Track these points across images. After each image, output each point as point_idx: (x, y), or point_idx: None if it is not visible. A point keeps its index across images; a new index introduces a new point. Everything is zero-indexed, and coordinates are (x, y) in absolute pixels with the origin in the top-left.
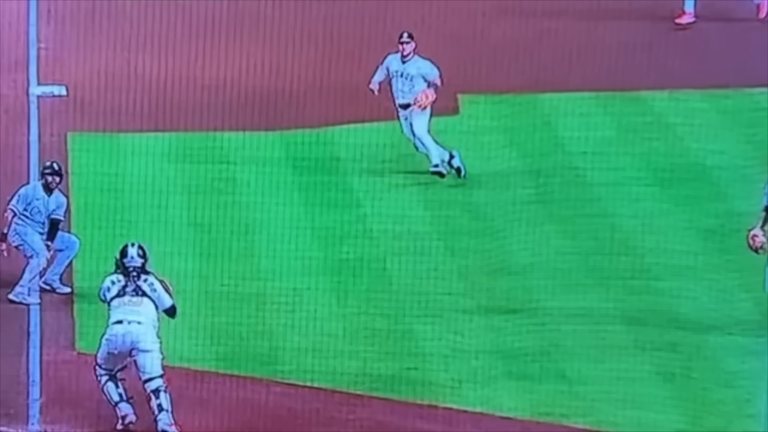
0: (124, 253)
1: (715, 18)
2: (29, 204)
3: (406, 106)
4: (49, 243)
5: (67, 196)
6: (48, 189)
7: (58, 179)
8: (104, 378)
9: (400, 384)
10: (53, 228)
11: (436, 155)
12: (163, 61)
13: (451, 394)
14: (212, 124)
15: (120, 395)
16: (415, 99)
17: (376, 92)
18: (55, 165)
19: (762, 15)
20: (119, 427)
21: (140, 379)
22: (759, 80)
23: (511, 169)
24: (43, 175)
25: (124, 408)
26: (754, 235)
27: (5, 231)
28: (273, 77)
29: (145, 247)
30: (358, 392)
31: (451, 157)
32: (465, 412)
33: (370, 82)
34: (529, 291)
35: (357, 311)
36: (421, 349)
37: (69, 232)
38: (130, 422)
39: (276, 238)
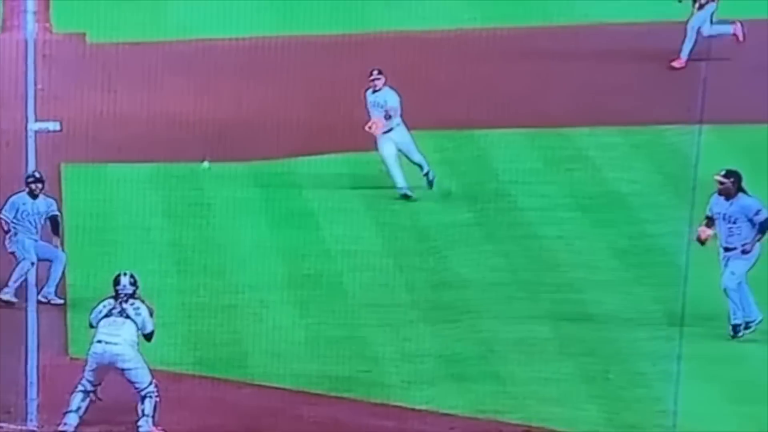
0: (117, 281)
1: (628, 61)
2: (17, 210)
3: (388, 131)
4: (56, 236)
5: (55, 199)
6: (33, 195)
7: (41, 185)
8: (80, 387)
9: (356, 385)
10: (54, 224)
11: (400, 181)
12: (145, 100)
13: (401, 394)
14: (189, 155)
15: (78, 408)
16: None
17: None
18: (36, 174)
19: (741, 40)
20: (59, 428)
21: (135, 390)
22: (668, 118)
23: (453, 196)
24: (27, 183)
25: (71, 419)
26: (703, 230)
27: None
28: (242, 114)
29: (136, 276)
30: (319, 392)
31: (425, 173)
32: (413, 409)
33: (368, 124)
34: (468, 302)
35: (317, 321)
36: (373, 354)
37: (57, 247)
38: (65, 431)
39: (245, 256)
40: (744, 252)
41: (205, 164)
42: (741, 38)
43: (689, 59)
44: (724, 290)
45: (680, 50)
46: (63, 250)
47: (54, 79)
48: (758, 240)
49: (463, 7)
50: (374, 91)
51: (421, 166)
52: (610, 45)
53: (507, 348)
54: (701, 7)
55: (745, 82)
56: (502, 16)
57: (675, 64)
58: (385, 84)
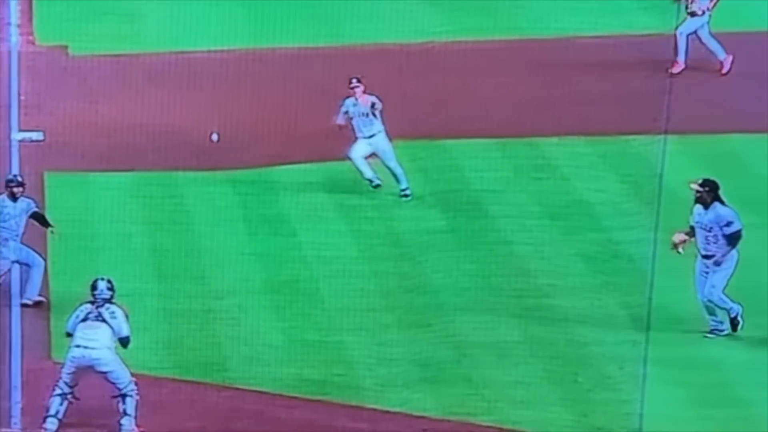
0: (94, 286)
1: (595, 72)
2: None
3: (370, 136)
4: (51, 226)
5: (33, 199)
6: (13, 197)
7: (21, 189)
8: (57, 390)
9: (331, 388)
10: (40, 219)
11: (367, 171)
12: (126, 110)
13: (375, 397)
14: (169, 164)
15: (56, 412)
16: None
17: (340, 127)
18: (18, 178)
19: (725, 71)
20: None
21: (115, 391)
22: (633, 128)
23: (426, 204)
24: (7, 186)
25: (50, 424)
26: (678, 235)
27: None
28: (220, 124)
29: (113, 281)
30: (296, 395)
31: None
32: (387, 412)
33: (333, 120)
34: (441, 308)
35: (294, 325)
36: (349, 358)
37: (36, 251)
38: None
39: (224, 262)
40: (716, 264)
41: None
42: (725, 70)
43: (685, 66)
44: (708, 302)
45: (676, 55)
46: (45, 251)
47: (37, 90)
48: (728, 252)
49: (435, 20)
50: (356, 99)
51: (398, 179)
52: (578, 57)
53: (479, 352)
54: (693, 14)
55: (711, 92)
56: (471, 30)
57: (673, 69)
58: (364, 92)
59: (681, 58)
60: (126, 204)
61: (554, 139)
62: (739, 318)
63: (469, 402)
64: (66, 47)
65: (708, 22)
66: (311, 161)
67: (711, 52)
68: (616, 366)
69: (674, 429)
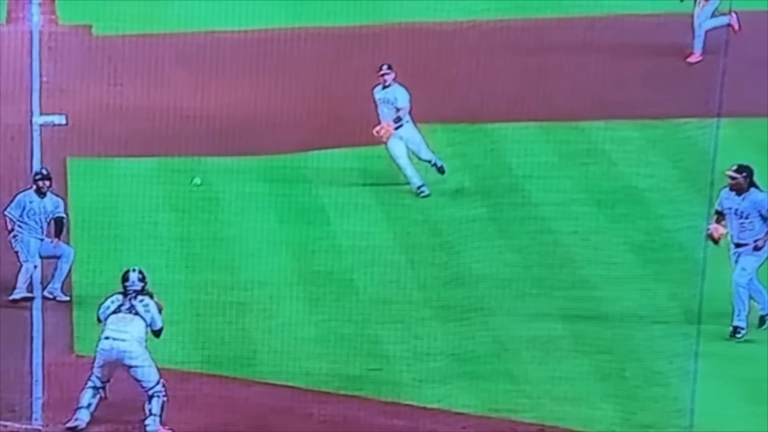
0: (125, 277)
1: (644, 54)
2: (24, 209)
3: (397, 127)
4: (57, 239)
5: (62, 199)
6: (41, 193)
7: (48, 183)
8: (89, 383)
9: (366, 383)
10: (58, 226)
11: (415, 178)
12: (152, 93)
13: (412, 393)
14: (196, 149)
15: (89, 404)
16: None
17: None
18: (44, 170)
19: (737, 29)
20: (69, 424)
21: (142, 389)
22: (684, 112)
23: (465, 191)
24: (34, 181)
25: (82, 415)
26: (715, 228)
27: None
28: (251, 107)
29: (144, 272)
30: (329, 390)
31: (434, 164)
32: (424, 408)
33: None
34: (481, 299)
35: (327, 318)
36: (384, 352)
37: (66, 243)
38: (77, 426)
39: (254, 252)
40: (756, 248)
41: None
42: (737, 28)
43: (704, 53)
44: (735, 287)
45: (692, 46)
46: (69, 245)
47: (59, 72)
48: None
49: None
50: (383, 87)
51: (430, 162)
52: (625, 38)
53: (520, 346)
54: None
55: (763, 74)
56: (515, 8)
57: (691, 59)
58: (394, 80)
59: (698, 48)
60: (152, 191)
61: (601, 123)
62: (741, 329)
63: (510, 398)
64: (90, 27)
65: (715, 9)
66: (346, 147)
67: (716, 27)
68: (666, 360)
69: (726, 427)
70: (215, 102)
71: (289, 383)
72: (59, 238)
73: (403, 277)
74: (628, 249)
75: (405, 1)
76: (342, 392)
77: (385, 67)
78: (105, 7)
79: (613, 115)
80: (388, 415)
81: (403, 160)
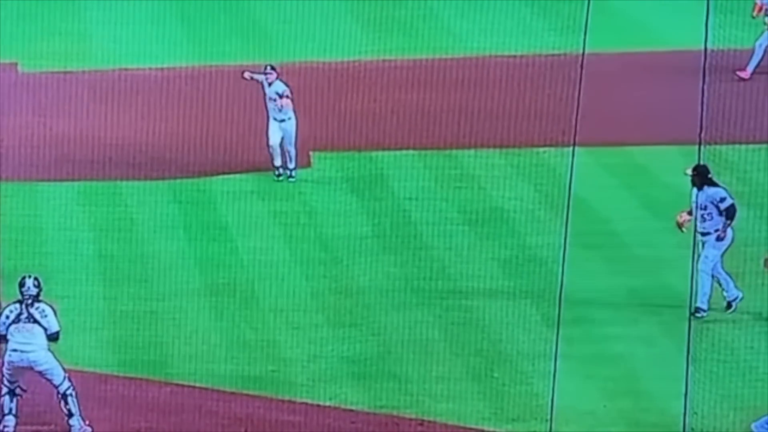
0: (21, 283)
1: (508, 89)
2: None
3: (281, 121)
4: None
5: None
6: None
7: None
8: (5, 390)
9: (266, 383)
10: None
11: (276, 161)
12: (73, 123)
13: (307, 391)
14: (114, 174)
15: (11, 409)
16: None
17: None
18: None
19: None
20: (5, 424)
21: (54, 387)
22: (544, 141)
23: (353, 211)
24: None
25: (9, 421)
26: (680, 215)
27: None
28: (161, 136)
29: (40, 279)
30: (233, 390)
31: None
32: (318, 405)
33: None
34: (367, 308)
35: (231, 325)
36: (282, 355)
37: None
38: None
39: (166, 266)
40: (719, 239)
41: None
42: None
43: (754, 72)
44: (699, 272)
45: (747, 64)
46: None
47: None
48: (728, 226)
49: (363, 41)
50: (269, 84)
51: (291, 160)
52: (493, 75)
53: (403, 349)
54: None
55: (620, 105)
56: (398, 49)
57: (742, 74)
58: (276, 78)
59: (751, 66)
60: (73, 212)
61: (471, 151)
62: (734, 304)
63: (394, 396)
64: (16, 64)
65: None
66: (246, 171)
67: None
68: (529, 363)
69: (582, 419)
70: (130, 132)
71: (198, 384)
72: None
73: (298, 288)
74: (495, 263)
75: (298, 42)
76: (245, 392)
77: (268, 67)
78: (30, 46)
79: (482, 144)
80: (286, 412)
81: (273, 141)
